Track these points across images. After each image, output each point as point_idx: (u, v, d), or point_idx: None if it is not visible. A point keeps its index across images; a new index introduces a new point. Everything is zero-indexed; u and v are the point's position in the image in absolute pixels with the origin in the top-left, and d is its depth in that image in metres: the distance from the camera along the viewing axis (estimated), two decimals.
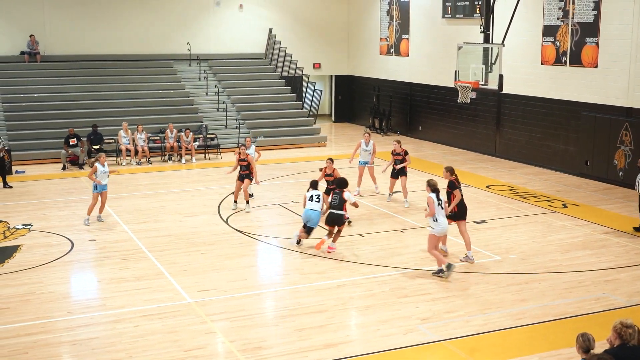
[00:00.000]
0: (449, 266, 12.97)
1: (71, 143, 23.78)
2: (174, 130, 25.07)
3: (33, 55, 28.85)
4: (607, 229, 16.42)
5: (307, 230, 14.88)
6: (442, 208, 12.92)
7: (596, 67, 21.38)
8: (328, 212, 14.71)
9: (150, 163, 24.38)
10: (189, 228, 16.56)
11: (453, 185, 13.82)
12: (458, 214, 13.86)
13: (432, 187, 12.87)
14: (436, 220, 12.84)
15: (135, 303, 11.92)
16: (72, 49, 29.81)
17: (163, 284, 12.82)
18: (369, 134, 19.63)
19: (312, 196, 14.85)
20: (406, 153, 18.47)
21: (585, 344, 7.18)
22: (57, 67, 29.00)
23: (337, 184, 14.89)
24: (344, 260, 14.11)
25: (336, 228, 14.63)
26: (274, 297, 12.43)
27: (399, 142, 18.54)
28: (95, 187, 16.70)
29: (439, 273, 13.01)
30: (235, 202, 18.16)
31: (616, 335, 7.25)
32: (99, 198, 16.88)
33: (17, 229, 16.42)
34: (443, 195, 13.32)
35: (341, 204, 14.50)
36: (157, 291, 12.48)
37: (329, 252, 14.45)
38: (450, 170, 13.93)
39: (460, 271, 13.46)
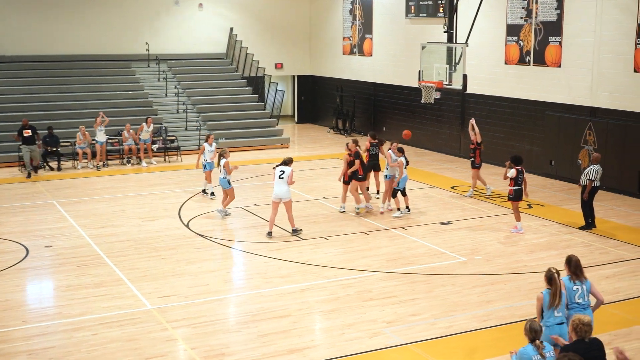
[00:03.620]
0: (295, 230, 16.06)
1: (25, 134, 23.00)
2: (132, 131, 24.78)
3: None
4: (572, 228, 16.65)
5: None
6: (281, 178, 15.64)
7: (560, 66, 21.69)
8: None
9: (107, 166, 24.10)
10: (148, 233, 16.43)
11: (357, 155, 17.36)
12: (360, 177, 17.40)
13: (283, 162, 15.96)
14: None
15: (94, 310, 11.79)
16: (28, 49, 29.35)
17: (122, 291, 12.70)
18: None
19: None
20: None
21: (531, 334, 7.85)
22: (12, 68, 28.51)
23: (514, 161, 16.33)
24: (308, 264, 14.12)
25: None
26: (236, 302, 12.38)
27: (355, 141, 17.62)
28: (229, 182, 17.42)
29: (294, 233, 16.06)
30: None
31: (572, 329, 7.80)
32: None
33: None
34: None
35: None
36: (116, 298, 12.36)
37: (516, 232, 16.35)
38: (355, 142, 17.51)
39: (425, 273, 13.56)
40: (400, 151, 17.49)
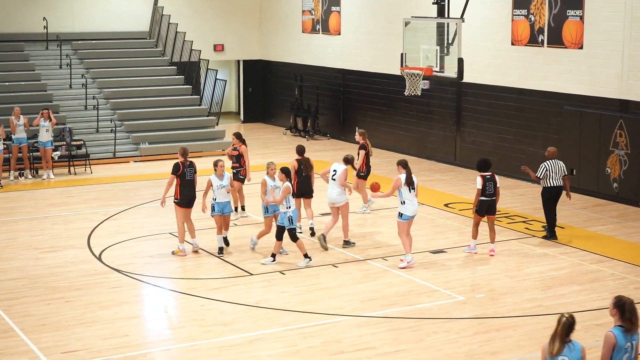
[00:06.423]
0: (347, 242, 17.47)
1: None
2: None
3: None
4: (600, 257, 16.85)
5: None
6: (334, 180, 17.25)
7: (581, 48, 21.96)
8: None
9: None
10: (48, 268, 16.30)
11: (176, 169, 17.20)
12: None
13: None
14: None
15: None
16: None
17: (13, 345, 12.57)
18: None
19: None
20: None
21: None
22: None
23: (478, 167, 17.01)
24: (258, 307, 14.09)
25: None
26: (165, 357, 12.32)
27: (184, 151, 17.30)
28: (267, 210, 16.91)
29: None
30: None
31: None
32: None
33: None
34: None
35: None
36: (4, 354, 12.23)
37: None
38: (183, 152, 17.27)
39: (412, 317, 13.60)
40: (285, 173, 16.14)
